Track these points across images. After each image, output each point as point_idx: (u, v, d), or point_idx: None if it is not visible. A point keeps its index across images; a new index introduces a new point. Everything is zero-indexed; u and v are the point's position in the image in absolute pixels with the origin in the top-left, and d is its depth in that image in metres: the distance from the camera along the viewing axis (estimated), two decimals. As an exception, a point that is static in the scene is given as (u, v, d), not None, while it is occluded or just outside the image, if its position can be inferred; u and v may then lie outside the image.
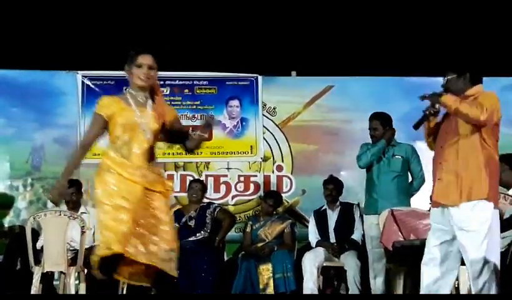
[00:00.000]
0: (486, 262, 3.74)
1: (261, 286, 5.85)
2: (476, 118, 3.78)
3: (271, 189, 6.95)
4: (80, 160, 3.82)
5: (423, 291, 4.01)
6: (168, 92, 7.11)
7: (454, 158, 3.91)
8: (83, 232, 5.53)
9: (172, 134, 3.89)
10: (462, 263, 3.99)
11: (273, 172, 7.17)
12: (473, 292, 3.81)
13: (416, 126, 4.14)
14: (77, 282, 5.54)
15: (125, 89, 3.86)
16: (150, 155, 3.72)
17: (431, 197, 4.18)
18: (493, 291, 3.74)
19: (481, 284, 3.75)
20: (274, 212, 6.42)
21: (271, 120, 7.23)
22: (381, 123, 5.70)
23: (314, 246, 6.05)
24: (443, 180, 3.95)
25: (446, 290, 3.97)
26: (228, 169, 7.15)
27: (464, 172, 3.86)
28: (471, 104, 3.83)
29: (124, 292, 5.00)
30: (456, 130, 3.94)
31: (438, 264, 3.96)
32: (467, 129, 3.89)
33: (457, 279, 4.56)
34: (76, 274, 5.52)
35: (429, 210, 4.40)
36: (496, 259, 3.77)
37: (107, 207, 3.56)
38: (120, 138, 3.68)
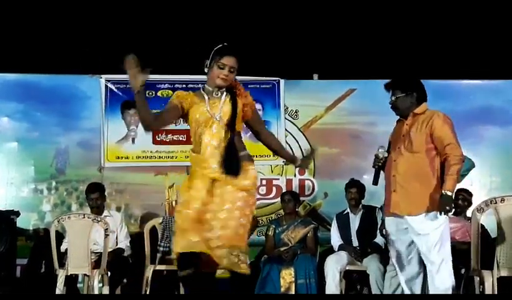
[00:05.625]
0: (442, 260, 4.19)
1: (282, 290, 5.84)
2: (461, 161, 4.23)
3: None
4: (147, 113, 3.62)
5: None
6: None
7: (409, 172, 4.28)
8: (106, 235, 5.56)
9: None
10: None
11: (295, 175, 7.16)
12: (432, 291, 4.25)
13: (376, 182, 4.55)
14: (100, 284, 5.58)
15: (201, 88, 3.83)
16: (229, 145, 3.63)
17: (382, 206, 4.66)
18: (451, 285, 4.22)
19: (440, 279, 4.20)
20: (296, 210, 6.45)
21: (293, 124, 7.23)
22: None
23: (336, 250, 6.03)
24: (398, 192, 4.30)
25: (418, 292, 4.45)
26: (250, 172, 7.15)
27: (419, 185, 4.23)
28: (451, 159, 4.17)
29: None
30: (409, 147, 4.29)
31: (401, 272, 4.46)
32: (421, 147, 4.25)
33: (482, 284, 4.59)
34: (100, 276, 5.55)
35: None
36: (449, 258, 4.24)
37: (179, 207, 3.66)
38: (196, 133, 3.69)
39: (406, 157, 4.30)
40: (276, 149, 4.04)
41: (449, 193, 4.10)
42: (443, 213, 4.12)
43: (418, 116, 4.36)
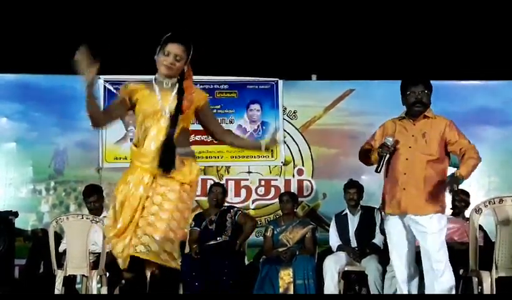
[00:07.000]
0: (446, 260, 4.25)
1: (281, 290, 5.84)
2: (479, 159, 4.29)
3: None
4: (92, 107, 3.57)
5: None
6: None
7: (423, 173, 4.29)
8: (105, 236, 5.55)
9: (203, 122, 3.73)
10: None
11: (293, 176, 7.17)
12: (437, 290, 4.23)
13: (380, 170, 4.39)
14: (99, 285, 5.56)
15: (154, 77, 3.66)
16: (167, 140, 3.47)
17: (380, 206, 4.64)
18: (454, 284, 4.27)
19: (446, 277, 4.22)
20: (295, 211, 6.47)
21: (292, 124, 7.23)
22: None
23: (335, 250, 6.02)
24: (410, 191, 4.31)
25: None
26: (248, 173, 7.17)
27: (432, 187, 4.27)
28: (466, 152, 4.26)
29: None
30: (424, 150, 4.31)
31: (400, 272, 4.44)
32: (436, 152, 4.32)
33: (480, 284, 4.59)
34: (98, 277, 5.53)
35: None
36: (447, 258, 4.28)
37: (111, 209, 3.55)
38: (143, 125, 3.55)
39: (420, 158, 4.31)
40: (237, 145, 3.97)
41: (460, 177, 4.13)
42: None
43: (428, 119, 4.39)
